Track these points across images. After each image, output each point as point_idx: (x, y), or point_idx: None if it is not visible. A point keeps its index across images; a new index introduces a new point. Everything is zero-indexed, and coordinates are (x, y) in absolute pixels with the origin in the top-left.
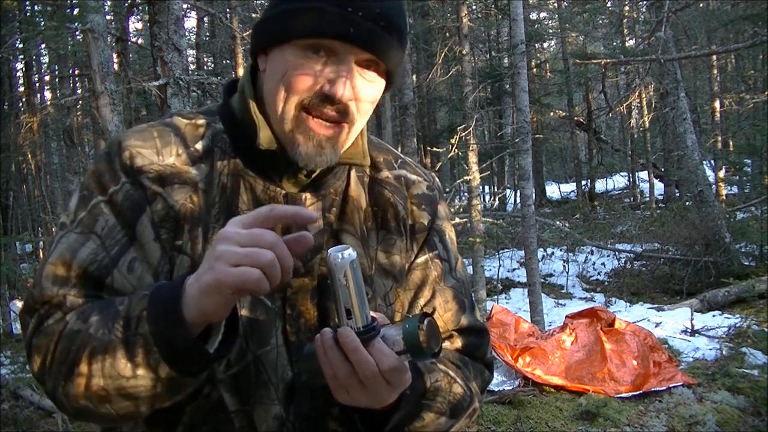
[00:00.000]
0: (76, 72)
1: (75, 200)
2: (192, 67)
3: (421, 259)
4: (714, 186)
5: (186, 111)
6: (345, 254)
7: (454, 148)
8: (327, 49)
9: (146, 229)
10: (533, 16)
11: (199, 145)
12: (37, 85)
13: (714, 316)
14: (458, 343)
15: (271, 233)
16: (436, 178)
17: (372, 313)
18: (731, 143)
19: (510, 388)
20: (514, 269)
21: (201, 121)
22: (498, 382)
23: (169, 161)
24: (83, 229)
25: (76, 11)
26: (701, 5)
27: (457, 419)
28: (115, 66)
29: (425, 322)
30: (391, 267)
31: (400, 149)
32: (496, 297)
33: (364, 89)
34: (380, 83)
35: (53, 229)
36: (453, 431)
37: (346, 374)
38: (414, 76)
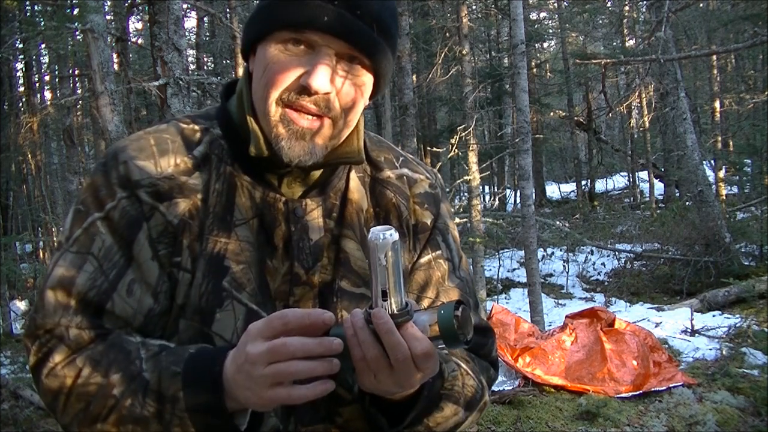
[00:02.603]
0: (76, 72)
1: (71, 214)
2: (192, 67)
3: (424, 259)
4: (714, 186)
5: (183, 116)
6: (387, 234)
7: (454, 148)
8: (306, 42)
9: (143, 248)
10: (533, 16)
11: (197, 152)
12: (37, 85)
13: (714, 316)
14: None
15: (285, 342)
16: (438, 176)
17: (408, 300)
18: (731, 143)
19: (510, 388)
20: (514, 269)
21: (198, 127)
22: (498, 382)
23: (167, 172)
24: (79, 248)
25: (76, 11)
26: (701, 5)
27: (471, 411)
28: (115, 66)
29: (460, 309)
30: None
31: (399, 149)
32: (496, 297)
33: (345, 82)
34: (366, 77)
35: (53, 230)
36: (467, 424)
37: (376, 357)
38: (414, 76)
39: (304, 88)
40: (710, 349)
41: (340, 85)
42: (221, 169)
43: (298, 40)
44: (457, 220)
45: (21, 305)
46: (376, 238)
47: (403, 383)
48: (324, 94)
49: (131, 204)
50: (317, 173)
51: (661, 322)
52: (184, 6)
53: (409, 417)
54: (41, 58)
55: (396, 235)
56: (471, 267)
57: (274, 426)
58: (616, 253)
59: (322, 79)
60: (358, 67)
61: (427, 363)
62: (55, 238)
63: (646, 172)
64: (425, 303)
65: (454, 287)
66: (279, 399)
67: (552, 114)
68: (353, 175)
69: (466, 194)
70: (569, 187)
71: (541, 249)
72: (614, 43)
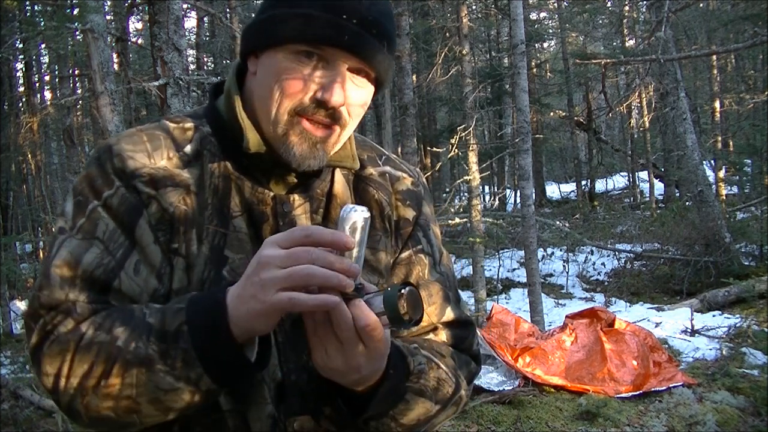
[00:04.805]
0: (76, 72)
1: (70, 206)
2: (192, 67)
3: (405, 254)
4: (714, 186)
5: (173, 115)
6: (359, 209)
7: (454, 148)
8: (319, 55)
9: (145, 233)
10: (533, 16)
11: (188, 149)
12: (37, 85)
13: (714, 316)
14: (444, 336)
15: (306, 249)
16: (421, 174)
17: (362, 281)
18: (731, 143)
19: (510, 388)
20: (514, 269)
21: (188, 125)
22: (498, 382)
23: (161, 164)
24: (84, 234)
25: (76, 11)
26: (701, 5)
27: (443, 405)
28: (115, 66)
29: (406, 289)
30: (377, 263)
31: (400, 149)
32: (496, 297)
33: (355, 94)
34: (370, 88)
35: (53, 230)
36: (440, 419)
37: (324, 325)
38: (414, 76)
39: (321, 103)
40: (710, 349)
41: (351, 97)
42: (215, 165)
43: (311, 53)
44: (457, 220)
45: (21, 305)
46: (347, 211)
47: (351, 361)
48: (339, 107)
49: (129, 193)
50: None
51: (661, 322)
52: (184, 6)
53: (371, 406)
54: (41, 58)
55: (367, 214)
56: (471, 267)
57: (270, 413)
58: (616, 253)
59: (339, 95)
60: (364, 79)
61: (372, 338)
62: None
63: (646, 172)
64: None
65: (434, 282)
66: (282, 302)
67: (552, 114)
68: (337, 172)
69: (466, 194)
70: (569, 187)
71: (541, 249)
72: (614, 43)
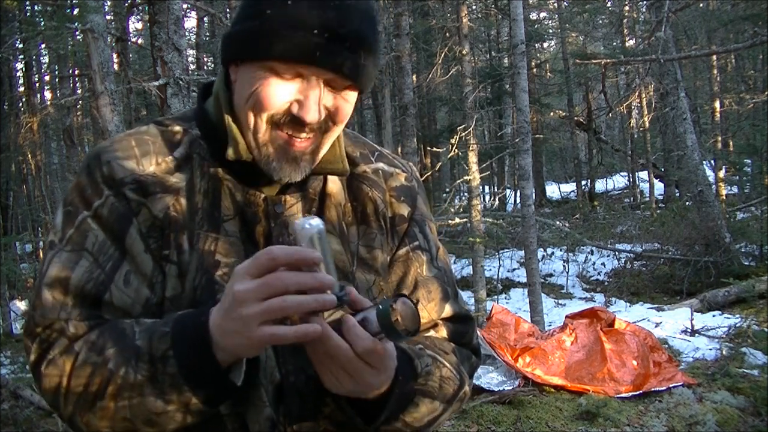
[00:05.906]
0: (76, 72)
1: (60, 217)
2: (192, 67)
3: (401, 251)
4: (714, 186)
5: (161, 118)
6: (312, 223)
7: (454, 148)
8: (294, 71)
9: (135, 241)
10: (533, 16)
11: (177, 153)
12: (37, 85)
13: (714, 316)
14: (444, 331)
15: (278, 276)
16: (414, 169)
17: (345, 284)
18: (731, 143)
19: (510, 388)
20: (514, 269)
21: (177, 128)
22: (498, 382)
23: (149, 170)
24: (74, 246)
25: (76, 11)
26: (701, 5)
27: (449, 403)
28: (115, 66)
29: (398, 301)
30: (373, 261)
31: (400, 149)
32: (496, 297)
33: (333, 104)
34: (351, 96)
35: (45, 243)
36: (445, 417)
37: (326, 356)
38: (414, 76)
39: (297, 120)
40: (710, 349)
41: (330, 108)
42: (205, 168)
43: (286, 68)
44: (457, 220)
45: (21, 305)
46: (299, 227)
47: (362, 382)
48: (317, 122)
49: (119, 201)
50: None
51: (661, 322)
52: (184, 6)
53: (383, 415)
54: (41, 58)
55: (321, 224)
56: (471, 267)
57: (269, 416)
58: (616, 253)
59: (314, 111)
60: (345, 90)
61: (376, 359)
62: None
63: (646, 172)
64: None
65: (432, 277)
66: (264, 338)
67: (552, 114)
68: None
69: (466, 194)
70: (569, 187)
71: (541, 249)
72: (614, 43)
